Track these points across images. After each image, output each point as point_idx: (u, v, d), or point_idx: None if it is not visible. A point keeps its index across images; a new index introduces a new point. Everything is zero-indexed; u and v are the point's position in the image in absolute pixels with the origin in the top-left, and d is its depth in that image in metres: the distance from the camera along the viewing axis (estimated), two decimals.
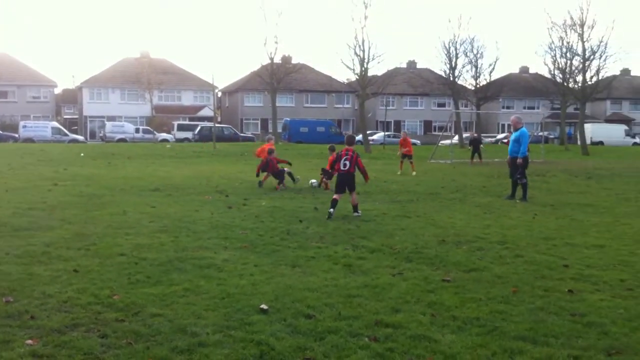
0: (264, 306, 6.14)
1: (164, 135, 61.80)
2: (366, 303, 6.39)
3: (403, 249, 9.19)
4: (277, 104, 58.72)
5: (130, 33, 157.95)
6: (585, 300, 6.61)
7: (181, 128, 65.87)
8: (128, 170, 23.30)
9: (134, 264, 7.83)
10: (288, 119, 66.46)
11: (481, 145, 33.46)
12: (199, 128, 63.37)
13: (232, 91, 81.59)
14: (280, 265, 8.05)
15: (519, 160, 15.30)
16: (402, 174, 23.82)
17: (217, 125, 57.57)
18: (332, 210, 12.16)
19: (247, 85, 77.34)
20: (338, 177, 12.68)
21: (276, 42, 53.42)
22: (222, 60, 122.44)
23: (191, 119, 72.94)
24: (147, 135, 60.99)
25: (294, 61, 65.35)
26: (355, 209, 12.55)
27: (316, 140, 60.01)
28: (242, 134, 67.36)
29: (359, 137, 48.48)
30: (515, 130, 15.82)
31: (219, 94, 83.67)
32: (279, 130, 60.15)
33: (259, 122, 77.82)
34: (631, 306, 6.41)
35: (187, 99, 77.20)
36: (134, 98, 71.48)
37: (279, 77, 55.63)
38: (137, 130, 63.25)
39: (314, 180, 15.62)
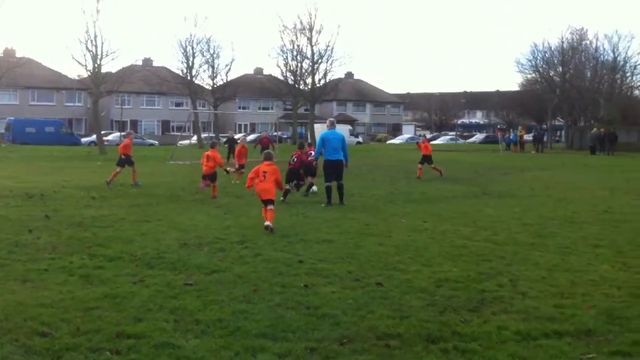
0: None
1: None
2: (106, 315, 6.17)
3: (144, 255, 9.02)
4: None
5: None
6: (318, 294, 7.08)
7: None
8: None
9: None
10: (12, 118, 61.20)
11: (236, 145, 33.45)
12: None
13: None
14: (8, 280, 7.43)
15: None
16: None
17: None
18: None
19: None
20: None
21: None
22: None
23: None
24: None
25: (18, 55, 60.23)
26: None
27: (45, 141, 56.03)
28: None
29: (93, 137, 46.16)
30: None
31: None
32: (2, 130, 55.13)
33: None
34: (359, 296, 7.02)
35: None
36: None
37: (0, 72, 50.92)
38: None
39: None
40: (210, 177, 16.86)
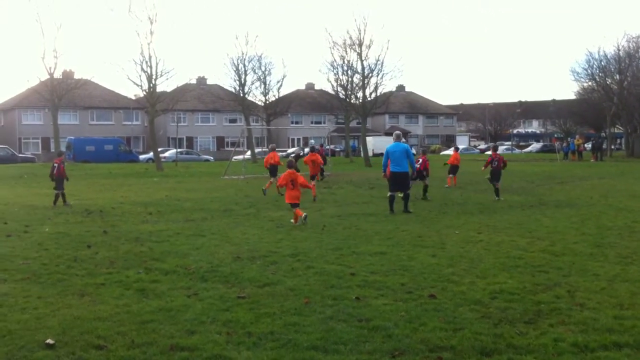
0: (50, 341, 5.79)
1: None
2: (160, 328, 6.27)
3: (198, 268, 9.14)
4: (60, 122, 55.35)
5: None
6: (370, 306, 7.04)
7: None
8: None
9: None
10: (72, 137, 63.12)
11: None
12: None
13: (8, 109, 75.65)
14: (67, 295, 7.63)
15: None
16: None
17: None
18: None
19: (24, 102, 72.23)
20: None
21: (56, 57, 50.28)
22: None
23: None
24: None
25: (76, 76, 62.05)
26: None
27: (104, 159, 57.70)
28: (20, 155, 62.67)
29: (150, 154, 47.13)
30: None
31: None
32: (63, 149, 56.70)
33: (39, 141, 73.02)
34: (411, 308, 6.94)
35: None
36: None
37: (60, 94, 52.38)
38: None
39: None
40: (313, 177, 21.45)
